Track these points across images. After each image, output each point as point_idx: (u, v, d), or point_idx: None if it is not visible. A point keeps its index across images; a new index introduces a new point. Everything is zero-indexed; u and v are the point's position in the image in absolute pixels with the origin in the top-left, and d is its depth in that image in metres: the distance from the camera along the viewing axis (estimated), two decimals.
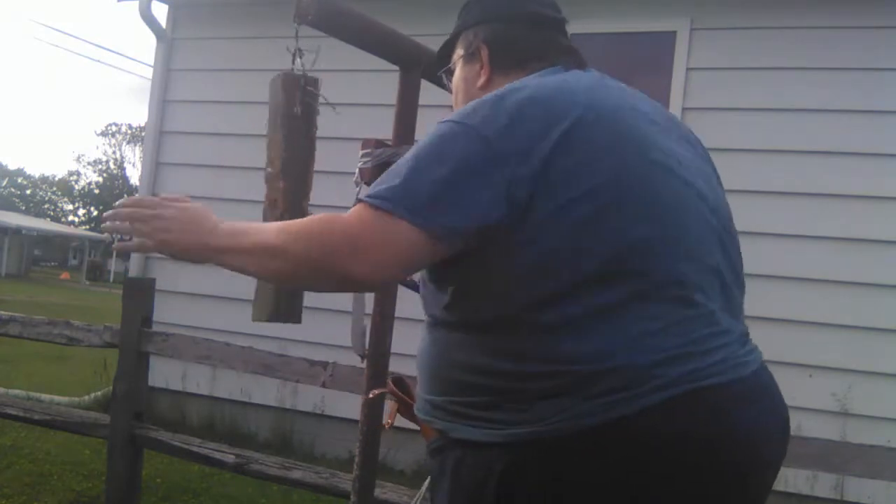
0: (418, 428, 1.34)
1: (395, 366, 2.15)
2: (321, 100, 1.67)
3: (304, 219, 1.18)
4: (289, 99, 1.66)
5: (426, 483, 1.39)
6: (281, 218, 1.62)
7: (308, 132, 1.69)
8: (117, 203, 1.32)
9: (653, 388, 1.05)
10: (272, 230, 1.18)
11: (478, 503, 1.13)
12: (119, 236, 1.34)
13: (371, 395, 1.51)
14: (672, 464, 1.05)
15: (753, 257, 4.03)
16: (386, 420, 1.43)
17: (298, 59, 1.66)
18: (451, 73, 1.49)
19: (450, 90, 1.51)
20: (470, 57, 1.42)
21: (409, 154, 1.15)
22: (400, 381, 1.45)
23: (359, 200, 1.12)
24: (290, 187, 1.68)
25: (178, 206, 1.27)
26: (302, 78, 1.66)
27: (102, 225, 1.36)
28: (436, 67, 1.55)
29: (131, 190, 51.80)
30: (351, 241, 1.09)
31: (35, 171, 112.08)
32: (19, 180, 64.16)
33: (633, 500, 1.05)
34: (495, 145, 1.10)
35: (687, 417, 1.06)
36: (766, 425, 1.15)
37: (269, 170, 1.68)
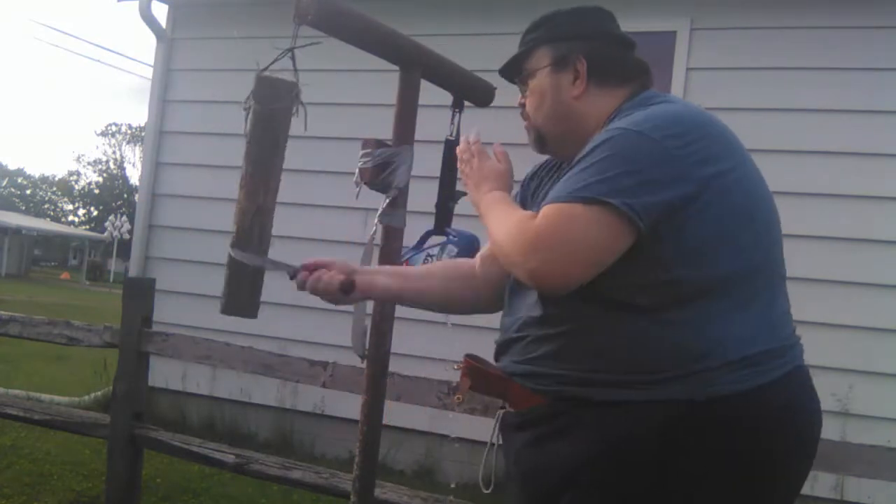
0: (492, 398, 1.51)
1: (395, 366, 2.15)
2: (301, 101, 1.66)
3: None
4: (264, 100, 1.65)
5: (493, 450, 1.50)
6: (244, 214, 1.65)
7: (277, 136, 1.67)
8: (473, 140, 1.66)
9: (779, 363, 1.31)
10: (511, 221, 1.41)
11: (627, 457, 1.28)
12: None
13: (456, 368, 1.57)
14: (792, 425, 1.32)
15: None
16: (457, 396, 1.56)
17: (291, 63, 1.66)
18: (525, 79, 1.58)
19: (523, 94, 1.60)
20: (561, 67, 1.52)
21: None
22: (474, 357, 1.52)
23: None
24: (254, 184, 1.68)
25: (487, 165, 1.61)
26: (295, 89, 1.65)
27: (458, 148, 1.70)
28: (506, 74, 1.64)
29: (131, 190, 51.86)
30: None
31: (35, 171, 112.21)
32: (19, 180, 64.17)
33: (770, 453, 1.29)
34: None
35: (794, 388, 1.34)
36: (818, 407, 1.41)
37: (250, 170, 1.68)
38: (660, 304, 1.29)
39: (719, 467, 1.27)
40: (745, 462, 1.27)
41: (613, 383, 1.31)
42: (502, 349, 1.50)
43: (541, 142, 1.57)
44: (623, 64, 1.54)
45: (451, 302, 1.70)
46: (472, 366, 1.49)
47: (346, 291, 1.51)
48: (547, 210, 1.30)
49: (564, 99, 1.52)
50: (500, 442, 1.50)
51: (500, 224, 1.42)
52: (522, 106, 1.59)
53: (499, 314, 1.62)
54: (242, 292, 1.67)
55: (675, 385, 1.27)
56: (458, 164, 1.66)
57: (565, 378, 1.35)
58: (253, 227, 1.68)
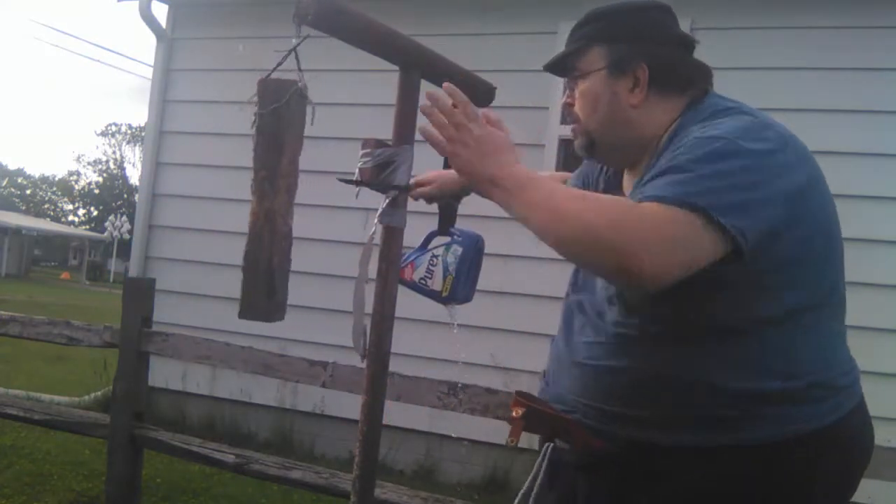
0: (544, 438, 1.42)
1: (395, 366, 2.15)
2: (304, 95, 1.66)
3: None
4: (265, 102, 1.65)
5: (532, 487, 1.41)
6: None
7: (282, 136, 1.67)
8: (449, 94, 1.39)
9: (848, 395, 1.34)
10: (574, 196, 1.25)
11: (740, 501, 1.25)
12: None
13: (512, 413, 1.43)
14: (858, 459, 1.35)
15: None
16: (510, 438, 1.40)
17: (292, 59, 1.65)
18: (576, 79, 1.47)
19: (571, 95, 1.50)
20: (619, 71, 1.41)
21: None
22: (526, 395, 1.43)
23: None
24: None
25: (489, 132, 1.32)
26: (296, 87, 1.65)
27: (422, 105, 1.45)
28: (555, 70, 1.54)
29: (131, 190, 51.86)
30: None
31: (35, 171, 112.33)
32: (19, 180, 64.20)
33: (843, 486, 1.32)
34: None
35: (859, 423, 1.37)
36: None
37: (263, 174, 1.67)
38: (753, 329, 1.25)
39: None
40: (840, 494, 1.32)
41: (694, 425, 1.25)
42: (557, 377, 1.42)
43: (590, 147, 1.45)
44: (685, 70, 1.42)
45: None
46: (530, 407, 1.38)
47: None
48: (658, 207, 1.18)
49: (622, 106, 1.41)
50: (543, 477, 1.42)
51: (586, 206, 1.19)
52: (570, 106, 1.48)
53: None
54: (258, 293, 1.65)
55: (761, 426, 1.24)
56: (440, 131, 1.38)
57: (643, 420, 1.28)
58: (262, 231, 1.67)
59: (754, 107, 1.40)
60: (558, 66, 1.51)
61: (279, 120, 1.65)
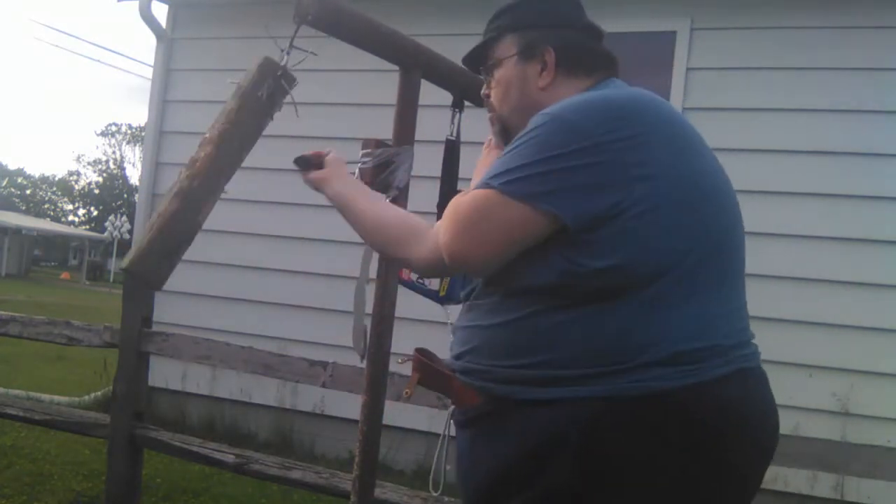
0: (439, 395, 1.44)
1: (395, 366, 2.15)
2: (288, 98, 1.67)
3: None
4: (259, 80, 1.65)
5: (444, 448, 1.47)
6: (192, 183, 1.64)
7: (259, 121, 1.68)
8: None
9: (719, 363, 1.24)
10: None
11: (553, 456, 1.23)
12: None
13: (400, 362, 1.54)
14: (729, 427, 1.24)
15: (753, 257, 4.03)
16: (406, 390, 1.49)
17: (286, 56, 1.66)
18: (490, 68, 1.54)
19: (483, 80, 1.57)
20: (528, 57, 1.48)
21: None
22: (424, 351, 1.47)
23: None
24: (215, 160, 1.68)
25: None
26: (281, 69, 1.65)
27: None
28: (471, 63, 1.60)
29: (131, 190, 51.88)
30: None
31: (35, 171, 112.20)
32: (19, 180, 64.18)
33: (699, 455, 1.22)
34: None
35: (739, 390, 1.26)
36: (774, 406, 1.35)
37: (206, 135, 1.67)
38: (583, 298, 1.24)
39: (643, 471, 1.20)
40: (675, 467, 1.21)
41: (537, 380, 1.26)
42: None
43: (506, 134, 1.51)
44: (591, 54, 1.49)
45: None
46: (420, 360, 1.45)
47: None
48: (470, 195, 1.30)
49: (531, 89, 1.47)
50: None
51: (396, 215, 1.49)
52: (487, 97, 1.55)
53: None
54: (153, 255, 1.63)
55: (600, 382, 1.22)
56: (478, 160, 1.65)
57: (492, 375, 1.31)
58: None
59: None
60: (475, 60, 1.58)
61: (269, 106, 1.66)
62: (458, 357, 1.39)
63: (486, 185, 1.27)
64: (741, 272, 1.37)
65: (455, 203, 1.32)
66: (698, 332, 1.24)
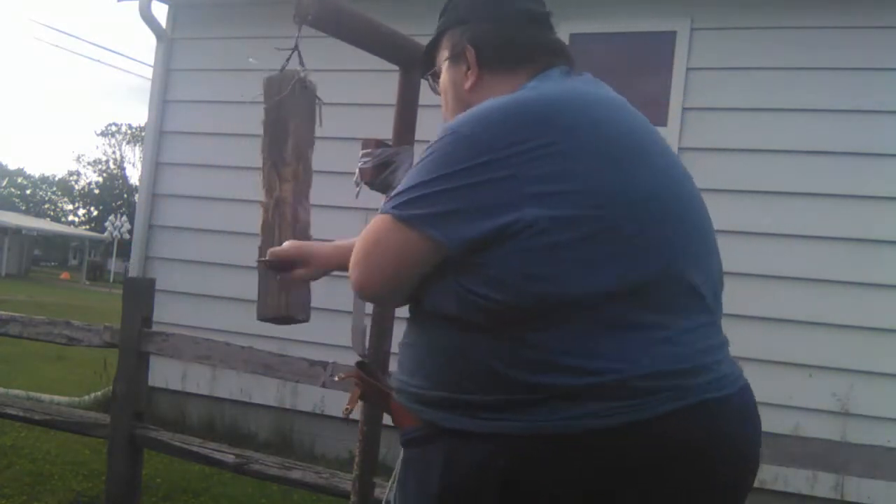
0: (387, 415, 1.34)
1: (394, 366, 2.15)
2: (305, 84, 1.66)
3: None
4: (270, 95, 1.65)
5: (396, 470, 1.36)
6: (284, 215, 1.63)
7: (286, 125, 1.68)
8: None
9: (665, 398, 1.08)
10: None
11: (476, 493, 1.13)
12: None
13: (337, 379, 1.50)
14: (671, 469, 1.09)
15: (753, 257, 4.05)
16: (346, 406, 1.40)
17: (296, 58, 1.66)
18: (437, 75, 1.43)
19: (437, 92, 1.46)
20: (456, 58, 1.36)
21: None
22: (365, 366, 1.42)
23: None
24: (296, 185, 1.67)
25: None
26: (296, 79, 1.65)
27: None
28: (421, 70, 1.50)
29: (131, 190, 51.87)
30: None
31: (35, 171, 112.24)
32: (19, 180, 64.19)
33: (628, 500, 1.09)
34: None
35: (692, 427, 1.09)
36: (752, 441, 1.20)
37: (269, 176, 1.67)
38: (488, 323, 1.12)
39: None
40: None
41: (456, 406, 1.15)
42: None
43: None
44: (518, 45, 1.32)
45: None
46: (360, 375, 1.37)
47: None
48: (372, 220, 1.21)
49: (461, 94, 1.34)
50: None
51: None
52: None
53: None
54: (273, 290, 1.63)
55: (523, 414, 1.09)
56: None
57: (419, 397, 1.21)
58: (273, 222, 1.68)
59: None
60: (427, 65, 1.46)
61: (281, 109, 1.65)
62: (395, 375, 1.30)
63: (381, 209, 1.19)
64: (705, 290, 1.18)
65: (364, 230, 1.23)
66: (634, 362, 1.08)
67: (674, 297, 1.14)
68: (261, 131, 1.72)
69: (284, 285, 1.58)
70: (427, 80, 1.48)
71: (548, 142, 1.11)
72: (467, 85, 1.33)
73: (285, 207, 1.66)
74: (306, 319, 1.67)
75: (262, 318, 1.67)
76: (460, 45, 1.35)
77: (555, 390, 1.08)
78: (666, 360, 1.09)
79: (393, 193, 1.19)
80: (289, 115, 1.66)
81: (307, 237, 1.67)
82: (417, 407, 1.22)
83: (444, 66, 1.38)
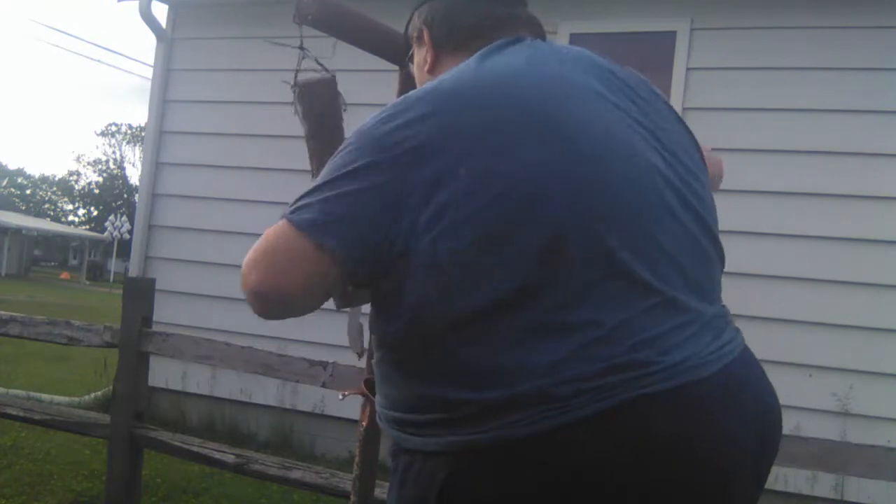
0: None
1: None
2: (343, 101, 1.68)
3: None
4: (333, 101, 1.65)
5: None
6: None
7: (323, 108, 1.68)
8: None
9: (590, 399, 0.99)
10: None
11: None
12: None
13: (341, 398, 1.48)
14: (603, 478, 0.99)
15: (753, 257, 4.05)
16: (361, 422, 1.41)
17: (304, 60, 1.66)
18: (410, 62, 1.41)
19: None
20: (418, 40, 1.32)
21: None
22: (371, 383, 1.41)
23: None
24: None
25: None
26: (330, 79, 1.66)
27: None
28: (403, 59, 1.48)
29: (131, 190, 51.88)
30: None
31: (35, 171, 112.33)
32: (19, 180, 64.20)
33: None
34: None
35: (624, 429, 0.99)
36: (728, 435, 1.04)
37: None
38: (413, 343, 1.08)
39: None
40: None
41: (403, 424, 1.13)
42: None
43: None
44: (471, 21, 1.25)
45: None
46: (365, 394, 1.36)
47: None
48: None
49: (422, 76, 1.29)
50: None
51: None
52: None
53: None
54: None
55: (455, 429, 1.05)
56: None
57: (384, 416, 1.19)
58: None
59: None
60: (405, 54, 1.43)
61: (326, 115, 1.65)
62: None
63: (282, 214, 1.09)
64: (641, 266, 1.04)
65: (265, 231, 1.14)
66: (557, 365, 1.00)
67: (593, 287, 1.01)
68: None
69: None
70: (408, 66, 1.43)
71: (428, 141, 1.02)
72: (427, 67, 1.29)
73: None
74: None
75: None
76: (418, 26, 1.31)
77: (481, 404, 1.02)
78: (586, 362, 0.99)
79: (298, 195, 1.10)
80: (335, 121, 1.67)
81: None
82: (382, 424, 1.21)
83: (415, 52, 1.35)
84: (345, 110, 1.63)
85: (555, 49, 1.19)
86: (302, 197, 1.07)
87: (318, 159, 1.65)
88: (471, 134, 1.03)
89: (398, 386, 1.14)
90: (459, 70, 1.12)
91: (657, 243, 1.06)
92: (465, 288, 1.01)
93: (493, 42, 1.17)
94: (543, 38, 1.24)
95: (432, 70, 1.27)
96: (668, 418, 1.00)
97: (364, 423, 1.39)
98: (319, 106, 1.64)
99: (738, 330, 1.14)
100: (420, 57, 1.32)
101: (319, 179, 1.07)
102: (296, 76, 1.62)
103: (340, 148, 1.09)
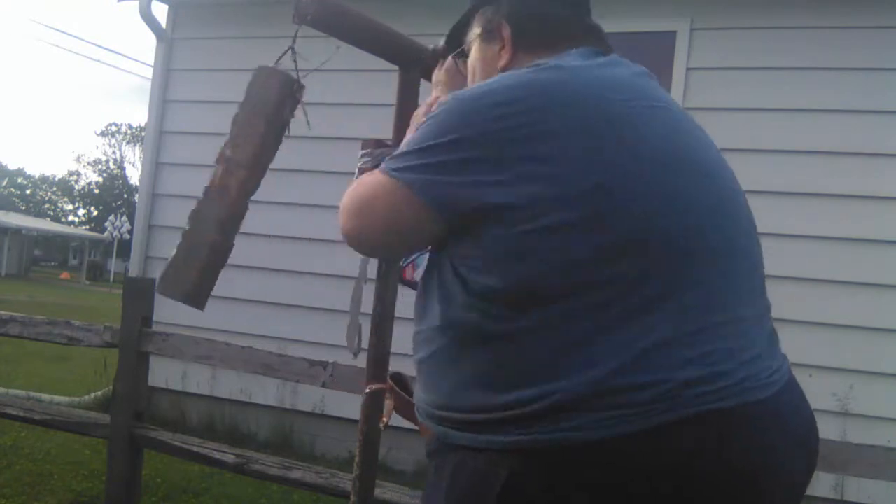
0: (416, 427, 1.32)
1: (395, 366, 2.15)
2: (300, 108, 1.67)
3: None
4: (281, 101, 1.64)
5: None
6: (231, 207, 1.62)
7: (280, 136, 1.68)
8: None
9: (664, 408, 1.01)
10: None
11: None
12: None
13: (368, 391, 1.48)
14: (667, 485, 1.01)
15: None
16: (383, 419, 1.41)
17: (292, 62, 1.66)
18: (465, 55, 1.42)
19: (464, 72, 1.45)
20: (489, 35, 1.34)
21: None
22: (399, 379, 1.41)
23: None
24: (248, 181, 1.67)
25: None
26: (296, 84, 1.65)
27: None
28: (448, 49, 1.49)
29: (131, 190, 51.87)
30: None
31: (35, 171, 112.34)
32: (19, 180, 64.20)
33: None
34: None
35: (689, 442, 1.01)
36: (774, 457, 1.07)
37: (229, 153, 1.66)
38: (486, 328, 1.09)
39: None
40: None
41: (456, 423, 1.13)
42: None
43: None
44: (553, 23, 1.31)
45: None
46: (392, 389, 1.38)
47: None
48: (367, 177, 1.23)
49: (492, 73, 1.30)
50: None
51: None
52: None
53: None
54: (189, 274, 1.61)
55: (518, 427, 1.05)
56: None
57: (425, 412, 1.20)
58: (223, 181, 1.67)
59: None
60: (453, 45, 1.47)
61: (287, 122, 1.65)
62: (416, 390, 1.29)
63: (381, 167, 1.19)
64: (720, 280, 1.09)
65: (356, 183, 1.25)
66: (631, 365, 1.01)
67: (691, 288, 1.06)
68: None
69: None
70: (455, 60, 1.48)
71: (539, 121, 1.07)
72: (501, 63, 1.31)
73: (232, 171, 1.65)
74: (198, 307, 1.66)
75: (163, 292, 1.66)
76: (494, 22, 1.33)
77: (553, 402, 1.03)
78: (664, 367, 1.02)
79: (392, 155, 1.19)
80: (278, 120, 1.65)
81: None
82: (428, 422, 1.21)
83: (475, 44, 1.37)
84: (291, 117, 1.62)
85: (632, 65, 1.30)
86: (402, 156, 1.16)
87: (234, 133, 1.65)
88: (575, 122, 1.08)
89: (458, 380, 1.14)
90: (561, 66, 1.17)
91: (735, 256, 1.14)
92: (554, 265, 1.04)
93: (572, 46, 1.25)
94: (606, 46, 1.34)
95: (507, 67, 1.29)
96: (740, 434, 1.03)
97: (384, 421, 1.40)
98: (266, 94, 1.64)
99: (785, 357, 1.20)
100: (489, 52, 1.34)
101: (421, 142, 1.13)
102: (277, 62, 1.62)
103: (439, 113, 1.15)
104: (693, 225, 1.09)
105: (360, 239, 1.23)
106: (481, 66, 1.36)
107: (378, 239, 1.22)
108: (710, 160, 1.19)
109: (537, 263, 1.05)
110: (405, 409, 1.38)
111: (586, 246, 1.04)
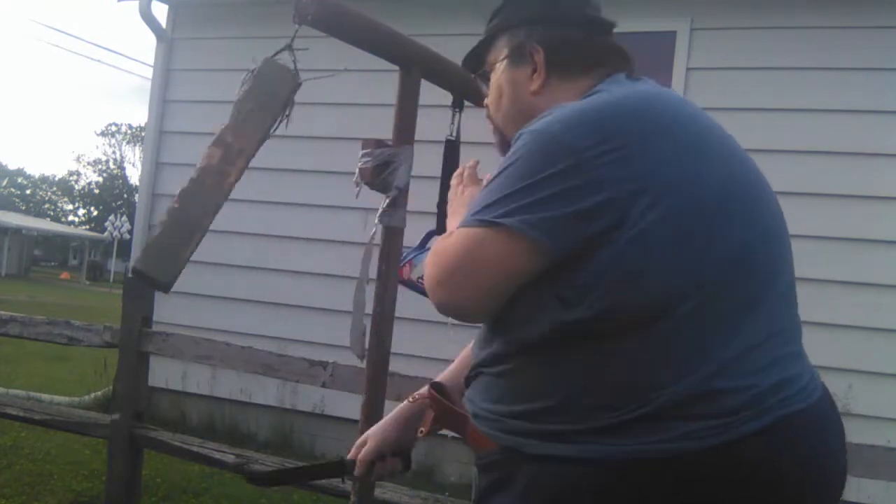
0: (457, 436, 1.32)
1: (395, 366, 2.15)
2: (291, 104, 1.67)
3: None
4: (289, 101, 1.65)
5: (473, 492, 1.32)
6: (227, 194, 1.63)
7: (270, 128, 1.68)
8: (469, 166, 1.48)
9: (755, 413, 1.05)
10: None
11: None
12: None
13: (410, 401, 1.45)
14: (768, 492, 1.06)
15: None
16: (420, 429, 1.40)
17: (291, 59, 1.66)
18: (485, 74, 1.41)
19: (485, 93, 1.45)
20: (518, 58, 1.34)
21: None
22: (440, 388, 1.40)
23: None
24: (242, 172, 1.68)
25: (461, 191, 1.43)
26: (296, 79, 1.66)
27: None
28: (469, 67, 1.47)
29: (131, 190, 51.88)
30: None
31: (35, 171, 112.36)
32: (19, 180, 64.20)
33: None
34: None
35: (781, 444, 1.07)
36: (836, 453, 1.16)
37: (230, 140, 1.66)
38: (578, 343, 1.10)
39: None
40: None
41: (539, 433, 1.13)
42: (467, 383, 1.31)
43: (504, 146, 1.32)
44: (588, 49, 1.32)
45: None
46: (436, 399, 1.36)
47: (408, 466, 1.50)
48: (455, 235, 1.16)
49: (523, 94, 1.32)
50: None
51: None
52: (488, 106, 1.41)
53: None
54: (168, 254, 1.61)
55: (608, 438, 1.06)
56: (449, 195, 1.48)
57: (498, 424, 1.19)
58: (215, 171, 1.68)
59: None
60: (473, 63, 1.46)
61: (267, 106, 1.66)
62: (470, 399, 1.27)
63: (471, 221, 1.13)
64: (777, 292, 1.16)
65: (439, 246, 1.19)
66: (724, 374, 1.06)
67: (759, 300, 1.12)
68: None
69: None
70: (477, 76, 1.47)
71: (624, 142, 1.09)
72: (533, 87, 1.31)
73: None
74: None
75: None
76: (526, 46, 1.33)
77: (644, 412, 1.05)
78: (746, 373, 1.07)
79: (479, 205, 1.14)
80: (280, 118, 1.66)
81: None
82: (495, 433, 1.20)
83: (501, 67, 1.36)
84: (287, 115, 1.62)
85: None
86: (493, 205, 1.11)
87: (238, 120, 1.66)
88: (656, 142, 1.12)
89: (539, 390, 1.14)
90: (624, 90, 1.22)
91: (786, 268, 1.23)
92: (663, 280, 1.07)
93: (606, 71, 1.29)
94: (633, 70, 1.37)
95: (539, 92, 1.31)
96: (805, 439, 1.10)
97: (423, 431, 1.40)
98: (276, 90, 1.64)
99: (814, 369, 1.23)
100: (520, 76, 1.34)
101: (513, 185, 1.11)
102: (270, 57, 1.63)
103: (520, 153, 1.13)
104: (760, 235, 1.19)
105: (460, 304, 1.16)
106: (510, 89, 1.35)
107: (481, 299, 1.15)
108: (757, 172, 1.30)
109: (648, 278, 1.07)
110: (448, 419, 1.35)
111: (686, 259, 1.08)
